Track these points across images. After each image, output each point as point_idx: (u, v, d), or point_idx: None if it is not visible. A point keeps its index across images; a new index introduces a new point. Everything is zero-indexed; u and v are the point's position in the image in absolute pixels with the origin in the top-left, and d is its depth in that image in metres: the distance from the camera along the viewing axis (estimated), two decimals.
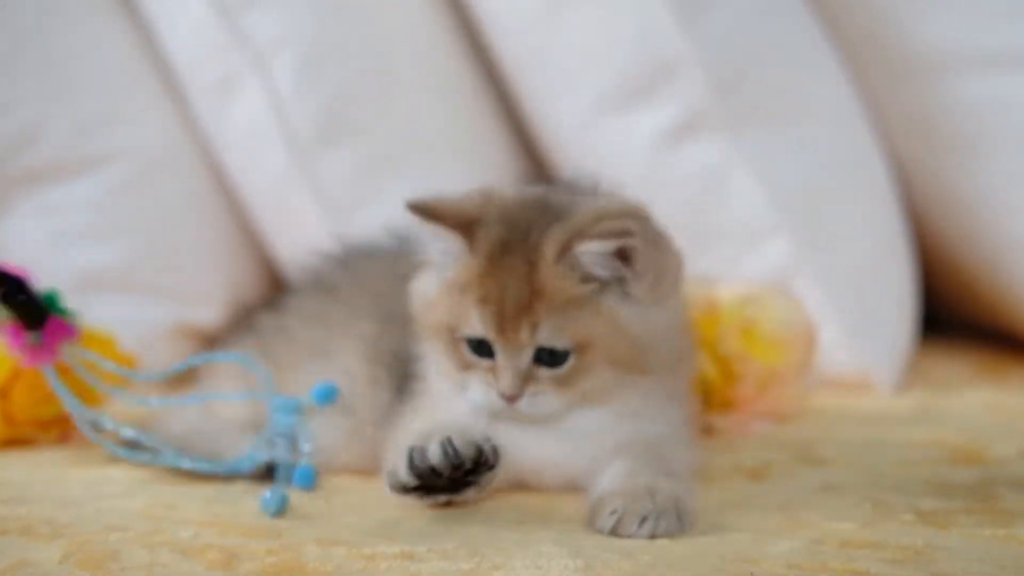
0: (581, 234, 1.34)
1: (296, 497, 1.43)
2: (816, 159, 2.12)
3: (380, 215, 1.89)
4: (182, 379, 2.04)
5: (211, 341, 1.84)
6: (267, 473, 1.50)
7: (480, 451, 1.33)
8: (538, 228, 1.36)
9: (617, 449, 1.40)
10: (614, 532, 1.28)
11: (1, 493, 1.46)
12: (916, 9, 2.24)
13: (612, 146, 2.11)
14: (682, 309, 1.47)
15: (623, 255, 1.34)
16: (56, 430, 1.74)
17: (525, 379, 1.36)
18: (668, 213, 2.04)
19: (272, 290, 2.13)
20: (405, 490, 1.34)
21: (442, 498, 1.36)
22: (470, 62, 2.29)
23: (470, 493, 1.36)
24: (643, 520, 1.27)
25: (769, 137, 2.08)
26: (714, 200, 2.08)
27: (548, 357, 1.36)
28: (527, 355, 1.36)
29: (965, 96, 2.21)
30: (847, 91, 2.22)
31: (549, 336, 1.35)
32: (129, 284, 2.14)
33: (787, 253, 2.06)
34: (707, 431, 1.76)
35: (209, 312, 2.15)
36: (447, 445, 1.32)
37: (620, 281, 1.36)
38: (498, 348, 1.36)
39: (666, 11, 2.03)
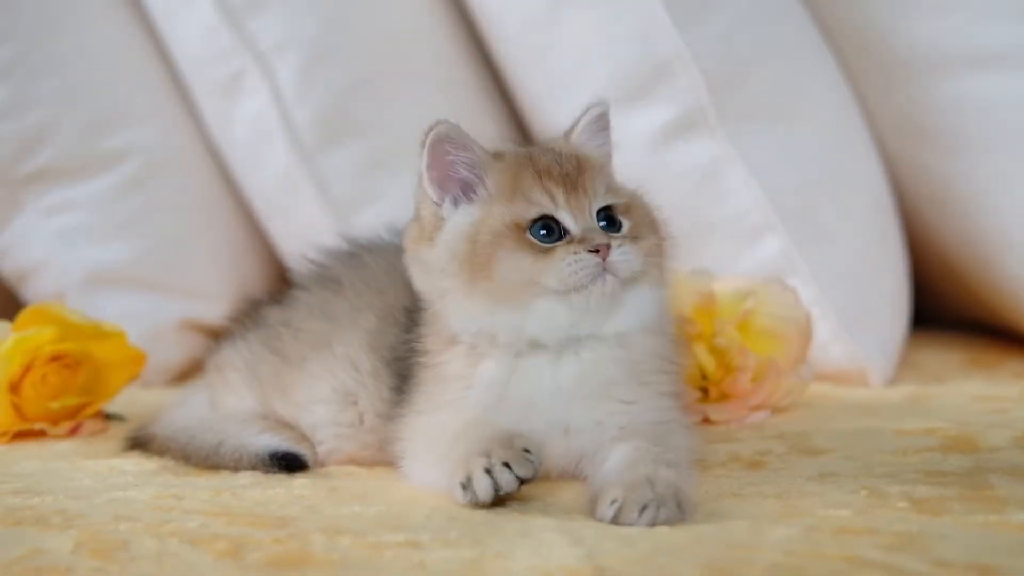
0: (575, 120, 1.51)
1: (301, 487, 1.45)
2: (811, 157, 2.13)
3: (383, 212, 1.91)
4: (188, 372, 2.07)
5: (218, 335, 1.85)
6: (274, 464, 1.52)
7: (522, 481, 1.35)
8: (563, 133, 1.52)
9: (620, 432, 1.42)
10: (615, 521, 1.29)
11: (14, 484, 1.48)
12: (907, 10, 2.25)
13: None
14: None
15: (605, 125, 1.51)
16: (66, 423, 1.76)
17: (605, 235, 1.42)
18: (665, 209, 2.08)
19: (277, 285, 2.14)
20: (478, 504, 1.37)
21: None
22: (472, 62, 2.30)
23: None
24: (643, 508, 1.28)
25: (765, 135, 2.10)
26: (711, 197, 2.09)
27: (607, 224, 1.44)
28: (594, 215, 1.43)
29: (955, 96, 2.22)
30: (842, 89, 2.24)
31: (606, 192, 1.45)
32: (137, 280, 2.15)
33: (782, 249, 2.07)
34: (705, 422, 1.78)
35: (215, 307, 2.17)
36: (530, 465, 1.35)
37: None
38: (569, 215, 1.42)
39: (665, 12, 2.04)
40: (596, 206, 1.43)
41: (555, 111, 2.17)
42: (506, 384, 1.44)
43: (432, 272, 1.45)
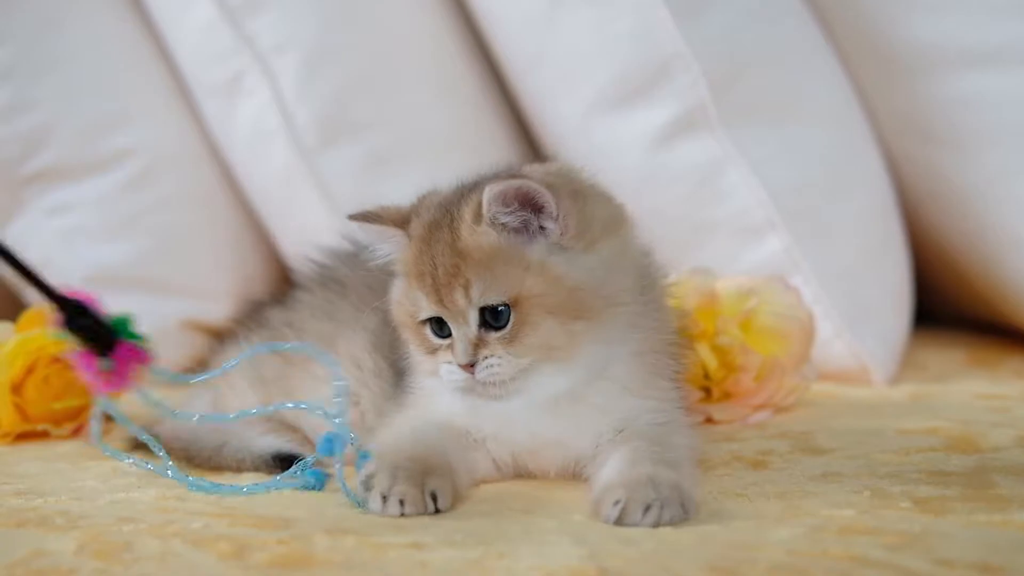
0: (487, 190, 1.37)
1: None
2: (812, 155, 2.13)
3: None
4: (190, 372, 2.06)
5: (219, 335, 1.85)
6: (277, 465, 1.52)
7: (434, 497, 1.35)
8: (462, 202, 1.41)
9: (618, 436, 1.42)
10: (619, 522, 1.29)
11: (17, 486, 1.48)
12: (909, 7, 2.25)
13: (611, 143, 2.12)
14: (627, 253, 1.45)
15: (532, 204, 1.37)
16: (69, 424, 1.76)
17: (476, 345, 1.39)
18: (667, 208, 2.08)
19: (278, 285, 2.15)
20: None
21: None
22: (472, 61, 2.30)
23: None
24: (647, 508, 1.28)
25: (766, 134, 2.10)
26: (711, 196, 2.09)
27: (493, 319, 1.38)
28: (473, 320, 1.38)
29: (957, 93, 2.22)
30: (843, 88, 2.24)
31: (483, 293, 1.37)
32: (138, 280, 2.15)
33: (784, 247, 2.07)
34: (707, 421, 1.78)
35: (217, 307, 2.17)
36: (400, 504, 1.34)
37: (543, 232, 1.38)
38: (448, 320, 1.40)
39: (665, 10, 2.04)
40: (473, 311, 1.38)
41: (556, 110, 2.18)
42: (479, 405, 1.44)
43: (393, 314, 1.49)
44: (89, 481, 1.51)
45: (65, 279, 2.12)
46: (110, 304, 2.08)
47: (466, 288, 1.37)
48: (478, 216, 1.38)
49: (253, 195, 2.23)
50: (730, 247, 2.09)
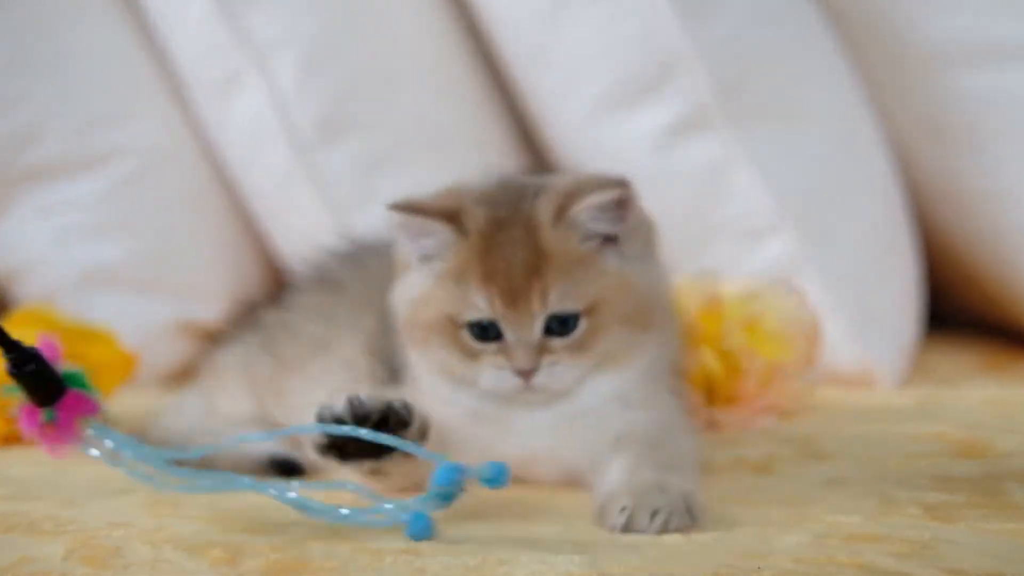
0: (578, 192, 1.36)
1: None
2: (820, 156, 2.12)
3: (382, 212, 1.89)
4: (183, 374, 2.06)
5: (213, 337, 1.84)
6: (273, 470, 1.50)
7: (389, 407, 1.33)
8: (525, 200, 1.38)
9: (617, 444, 1.40)
10: (626, 529, 1.27)
11: (3, 490, 1.47)
12: (923, 4, 2.24)
13: (615, 143, 2.11)
14: (665, 264, 1.47)
15: (620, 207, 1.36)
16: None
17: (539, 351, 1.36)
18: (671, 210, 2.07)
19: (274, 286, 2.14)
20: (320, 449, 1.35)
21: (366, 464, 1.35)
22: (473, 59, 2.30)
23: (395, 458, 1.34)
24: (655, 514, 1.26)
25: (772, 134, 2.09)
26: (717, 197, 2.08)
27: (557, 326, 1.36)
28: (539, 326, 1.36)
29: (973, 90, 2.22)
30: (852, 87, 2.23)
31: (560, 300, 1.35)
32: (131, 281, 2.14)
33: (790, 249, 2.06)
34: (711, 426, 1.77)
35: (211, 308, 2.16)
36: (354, 399, 1.32)
37: (614, 240, 1.38)
38: (507, 325, 1.36)
39: (670, 9, 2.04)
40: (541, 316, 1.35)
41: (558, 110, 2.17)
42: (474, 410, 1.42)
43: (395, 308, 1.45)
44: (78, 485, 1.49)
45: (57, 278, 2.12)
46: (101, 304, 2.09)
47: (544, 293, 1.35)
48: (560, 219, 1.36)
49: (249, 194, 2.22)
50: (735, 250, 2.08)
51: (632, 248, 1.39)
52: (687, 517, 1.27)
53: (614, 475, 1.35)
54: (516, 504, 1.38)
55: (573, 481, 1.43)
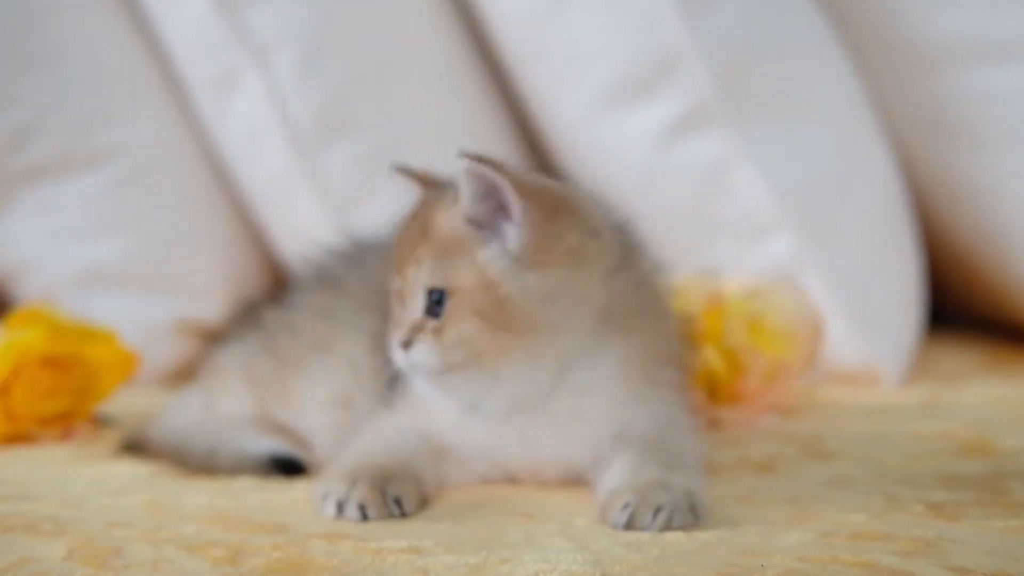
0: (463, 168, 1.36)
1: (300, 490, 1.43)
2: (821, 153, 2.12)
3: (382, 209, 1.89)
4: (183, 373, 2.06)
5: (214, 336, 1.83)
6: (274, 469, 1.50)
7: (398, 503, 1.34)
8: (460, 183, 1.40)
9: (617, 441, 1.39)
10: (629, 526, 1.27)
11: (4, 490, 1.46)
12: (924, 1, 2.24)
13: (615, 140, 2.10)
14: (584, 291, 1.40)
15: (498, 201, 1.35)
16: (57, 427, 1.74)
17: (415, 329, 1.37)
18: (672, 207, 2.08)
19: (273, 285, 2.13)
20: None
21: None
22: (472, 56, 2.29)
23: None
24: (657, 511, 1.26)
25: (773, 131, 2.08)
26: (718, 194, 2.08)
27: (435, 308, 1.36)
28: (419, 300, 1.37)
29: (975, 88, 2.21)
30: (853, 84, 2.22)
31: (430, 274, 1.36)
32: (130, 280, 2.14)
33: (792, 247, 2.06)
34: (714, 424, 1.76)
35: (210, 307, 2.15)
36: (362, 509, 1.33)
37: (501, 235, 1.36)
38: (401, 298, 1.39)
39: (670, 5, 2.03)
40: (420, 291, 1.37)
41: (558, 106, 2.16)
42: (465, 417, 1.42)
43: None
44: (78, 485, 1.48)
45: (57, 278, 2.11)
46: (101, 303, 2.09)
47: (419, 264, 1.37)
48: (455, 200, 1.38)
49: (248, 192, 2.22)
50: (737, 247, 2.07)
51: (520, 248, 1.35)
52: (690, 515, 1.27)
53: (617, 473, 1.34)
54: (518, 502, 1.38)
55: (574, 479, 1.42)
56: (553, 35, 2.12)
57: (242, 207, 2.26)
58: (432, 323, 1.36)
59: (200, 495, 1.42)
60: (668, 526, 1.26)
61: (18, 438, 1.72)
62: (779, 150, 2.08)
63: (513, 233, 1.35)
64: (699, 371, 1.74)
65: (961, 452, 1.58)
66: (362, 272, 1.62)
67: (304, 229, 2.07)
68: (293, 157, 2.12)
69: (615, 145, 2.10)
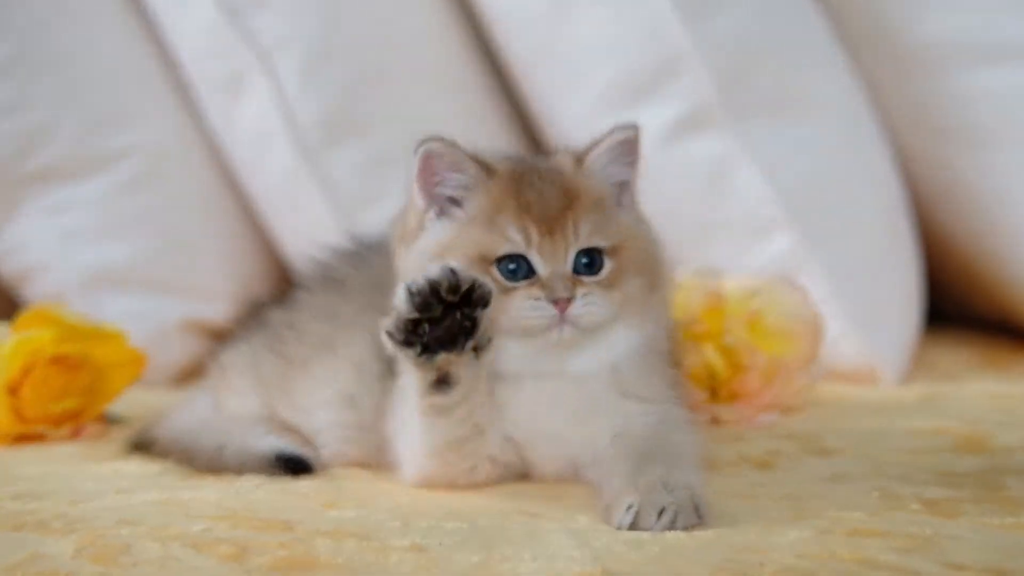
0: (593, 142, 1.44)
1: (306, 488, 1.44)
2: (821, 153, 2.13)
3: (387, 210, 1.89)
4: (191, 373, 2.06)
5: (221, 337, 1.84)
6: (280, 467, 1.51)
7: (476, 281, 1.34)
8: (539, 160, 1.46)
9: (618, 438, 1.40)
10: (634, 527, 1.27)
11: (14, 488, 1.47)
12: (922, 3, 2.25)
13: None
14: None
15: (631, 151, 1.44)
16: (67, 426, 1.75)
17: (573, 284, 1.38)
18: (674, 207, 2.08)
19: (280, 285, 2.14)
20: (404, 330, 1.35)
21: (441, 355, 1.35)
22: (477, 59, 2.30)
23: (465, 358, 1.35)
24: (661, 511, 1.27)
25: (774, 131, 2.09)
26: (719, 193, 2.09)
27: (583, 267, 1.38)
28: (571, 259, 1.38)
29: (973, 89, 2.22)
30: (852, 85, 2.23)
31: (590, 234, 1.38)
32: (138, 281, 2.15)
33: (792, 246, 2.07)
34: (713, 421, 1.77)
35: (218, 308, 2.16)
36: (447, 269, 1.33)
37: (628, 188, 1.44)
38: (542, 257, 1.38)
39: (672, 7, 2.04)
40: (574, 249, 1.38)
41: (561, 108, 2.17)
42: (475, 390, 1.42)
43: (404, 276, 1.42)
44: (87, 483, 1.49)
45: (66, 279, 2.12)
46: (110, 304, 2.10)
47: (576, 225, 1.38)
48: (580, 164, 1.42)
49: (255, 194, 2.22)
50: (738, 246, 2.08)
51: (633, 199, 1.45)
52: (694, 515, 1.27)
53: (619, 472, 1.35)
54: (520, 500, 1.38)
55: (576, 475, 1.43)
56: (556, 37, 2.13)
57: (249, 209, 2.26)
58: (588, 278, 1.38)
59: (207, 493, 1.43)
60: (672, 527, 1.26)
61: (28, 437, 1.73)
62: (779, 150, 2.09)
63: (631, 184, 1.44)
64: (699, 369, 1.75)
65: (958, 449, 1.59)
66: (365, 272, 1.63)
67: (310, 230, 2.08)
68: (299, 159, 2.13)
69: None
